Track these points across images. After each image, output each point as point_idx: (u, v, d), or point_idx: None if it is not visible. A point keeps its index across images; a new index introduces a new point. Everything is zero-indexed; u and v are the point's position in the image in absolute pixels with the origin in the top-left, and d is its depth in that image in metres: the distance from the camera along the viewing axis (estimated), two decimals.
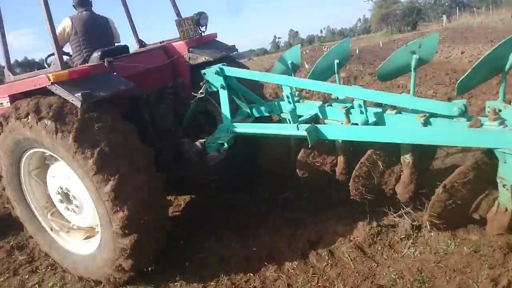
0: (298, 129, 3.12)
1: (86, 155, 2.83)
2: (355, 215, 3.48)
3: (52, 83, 2.94)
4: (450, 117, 2.64)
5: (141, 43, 5.38)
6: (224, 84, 3.62)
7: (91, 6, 4.71)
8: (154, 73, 4.14)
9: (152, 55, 4.39)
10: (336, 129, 3.16)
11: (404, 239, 3.01)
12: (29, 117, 3.02)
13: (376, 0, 48.31)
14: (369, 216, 3.30)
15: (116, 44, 4.87)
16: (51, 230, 3.77)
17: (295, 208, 3.95)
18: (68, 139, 2.85)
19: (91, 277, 3.48)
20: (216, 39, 4.54)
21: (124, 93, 3.32)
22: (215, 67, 3.59)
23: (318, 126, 3.10)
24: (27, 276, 3.87)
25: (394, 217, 3.24)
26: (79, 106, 2.86)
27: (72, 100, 2.89)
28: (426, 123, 2.73)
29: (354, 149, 3.25)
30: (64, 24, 4.46)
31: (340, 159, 3.29)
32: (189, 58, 4.16)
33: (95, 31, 4.57)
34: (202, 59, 4.07)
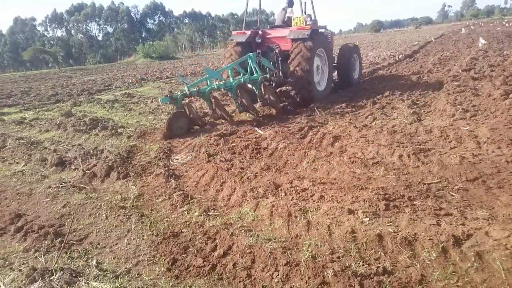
0: None
1: None
2: None
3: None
4: None
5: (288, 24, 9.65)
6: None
7: (289, 4, 10.01)
8: (282, 40, 9.09)
9: (281, 30, 9.19)
10: None
11: None
12: None
13: None
14: None
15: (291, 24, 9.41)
16: None
17: (442, 199, 3.62)
18: None
19: None
20: (309, 28, 8.33)
21: None
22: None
23: None
24: (178, 201, 4.27)
25: None
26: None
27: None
28: None
29: None
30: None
31: None
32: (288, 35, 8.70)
33: (280, 16, 10.12)
34: (290, 37, 8.48)
